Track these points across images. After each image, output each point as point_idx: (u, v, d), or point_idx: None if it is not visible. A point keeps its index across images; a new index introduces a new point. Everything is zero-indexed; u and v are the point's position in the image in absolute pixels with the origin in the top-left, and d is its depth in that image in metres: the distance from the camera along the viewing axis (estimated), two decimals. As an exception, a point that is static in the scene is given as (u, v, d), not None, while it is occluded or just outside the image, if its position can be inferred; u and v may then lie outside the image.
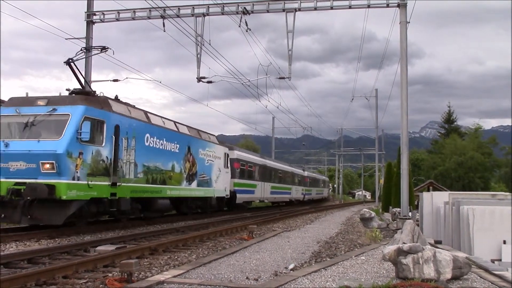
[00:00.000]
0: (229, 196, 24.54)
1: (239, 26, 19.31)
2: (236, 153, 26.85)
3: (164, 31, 19.54)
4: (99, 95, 14.58)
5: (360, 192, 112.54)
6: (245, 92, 34.99)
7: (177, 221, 18.71)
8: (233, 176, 25.37)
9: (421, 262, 6.78)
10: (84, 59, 20.67)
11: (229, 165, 24.56)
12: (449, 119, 73.34)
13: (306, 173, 49.34)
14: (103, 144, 13.61)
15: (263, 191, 31.71)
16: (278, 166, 38.20)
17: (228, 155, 24.53)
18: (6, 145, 12.33)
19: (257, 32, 23.36)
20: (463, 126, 76.16)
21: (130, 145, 14.84)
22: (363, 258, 9.46)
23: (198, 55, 20.01)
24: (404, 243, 8.27)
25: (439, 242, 13.07)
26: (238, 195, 25.95)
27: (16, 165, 12.17)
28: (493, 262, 9.99)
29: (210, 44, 19.68)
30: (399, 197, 20.67)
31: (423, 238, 10.40)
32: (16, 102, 13.44)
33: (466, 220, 11.93)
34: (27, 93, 14.15)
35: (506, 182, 60.88)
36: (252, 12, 19.40)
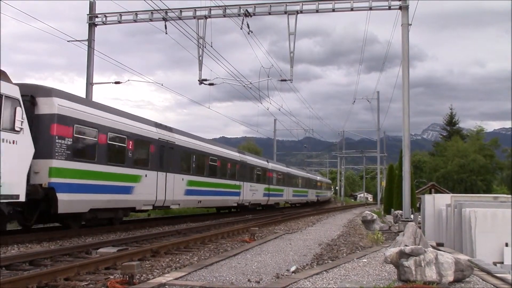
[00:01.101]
0: (23, 200, 10.99)
1: (241, 29, 19.39)
2: (58, 103, 12.38)
3: (166, 33, 19.66)
4: None
5: (362, 195, 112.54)
6: (247, 94, 34.88)
7: (178, 223, 18.80)
8: (49, 155, 12.04)
9: (423, 264, 6.77)
10: (86, 61, 20.86)
11: (24, 125, 11.04)
12: (451, 121, 73.34)
13: (270, 165, 34.68)
14: None
15: (164, 189, 17.65)
16: (206, 148, 22.51)
17: (17, 102, 10.84)
18: None
19: (259, 35, 23.40)
20: (465, 129, 76.26)
21: None
22: (365, 260, 9.44)
23: (200, 58, 20.07)
24: (406, 245, 8.27)
25: (441, 245, 13.05)
26: (64, 196, 12.31)
27: None
28: (495, 265, 9.96)
29: (212, 47, 19.77)
30: (401, 199, 20.68)
31: (425, 241, 10.41)
32: None
33: (468, 223, 11.91)
34: None
35: (508, 184, 60.77)
36: (254, 14, 19.48)
